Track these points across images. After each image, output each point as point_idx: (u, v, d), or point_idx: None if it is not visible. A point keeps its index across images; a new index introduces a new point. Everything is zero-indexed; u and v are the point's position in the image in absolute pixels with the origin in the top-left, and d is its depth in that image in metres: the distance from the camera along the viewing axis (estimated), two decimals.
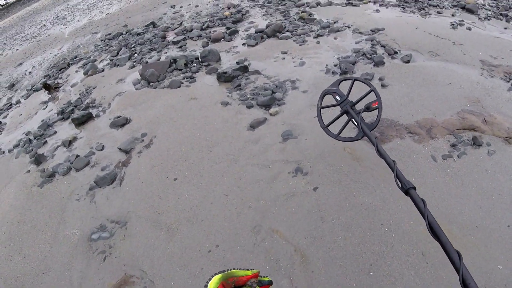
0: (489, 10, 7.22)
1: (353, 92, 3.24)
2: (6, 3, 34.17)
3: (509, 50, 5.22)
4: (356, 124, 2.85)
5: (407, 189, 1.83)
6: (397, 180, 1.91)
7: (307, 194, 3.20)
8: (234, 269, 1.10)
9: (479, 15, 6.91)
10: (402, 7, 7.49)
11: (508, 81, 4.49)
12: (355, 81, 3.27)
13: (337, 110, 3.15)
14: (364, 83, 3.19)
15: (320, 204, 3.09)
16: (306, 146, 3.71)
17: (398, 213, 2.88)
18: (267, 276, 1.18)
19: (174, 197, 3.48)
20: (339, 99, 3.13)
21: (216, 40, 7.22)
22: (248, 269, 1.13)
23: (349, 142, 3.12)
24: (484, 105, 4.05)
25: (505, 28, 6.26)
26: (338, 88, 3.26)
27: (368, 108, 3.00)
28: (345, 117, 3.11)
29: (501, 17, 6.86)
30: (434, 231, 1.58)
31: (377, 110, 2.99)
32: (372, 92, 3.11)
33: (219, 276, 1.04)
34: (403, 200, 2.95)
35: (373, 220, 2.89)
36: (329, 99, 3.37)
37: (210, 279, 1.03)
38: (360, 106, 3.34)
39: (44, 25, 15.54)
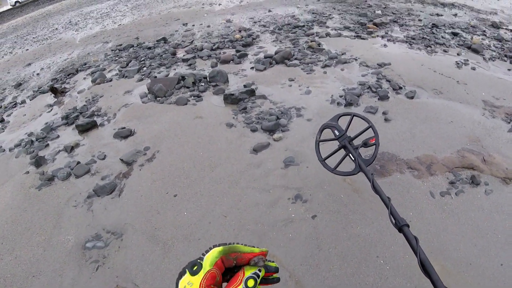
0: (494, 51, 7.37)
1: (353, 127, 3.30)
2: (21, 2, 34.79)
3: (511, 91, 5.32)
4: (353, 159, 2.90)
5: (401, 226, 1.87)
6: (391, 216, 1.94)
7: (305, 221, 3.23)
8: (237, 243, 0.94)
9: (484, 55, 7.04)
10: (409, 44, 7.62)
11: (509, 122, 4.57)
12: (354, 117, 3.33)
13: (336, 144, 3.20)
14: (363, 119, 3.25)
15: (317, 232, 3.12)
16: (307, 174, 3.75)
17: (394, 246, 2.91)
18: (273, 262, 1.00)
19: (173, 213, 3.50)
20: (337, 134, 3.18)
21: (225, 61, 7.31)
22: (254, 246, 0.95)
23: (345, 176, 3.16)
24: (484, 144, 4.12)
25: (509, 70, 6.38)
26: (337, 122, 3.32)
27: (365, 144, 3.04)
28: (342, 151, 3.17)
29: (505, 58, 7.00)
30: (425, 268, 1.61)
31: (375, 146, 3.04)
32: (370, 128, 3.16)
33: (219, 249, 0.90)
34: (399, 234, 2.95)
35: (369, 251, 2.92)
36: (328, 133, 3.42)
37: (207, 251, 0.90)
38: (358, 141, 3.39)
39: (56, 28, 15.69)
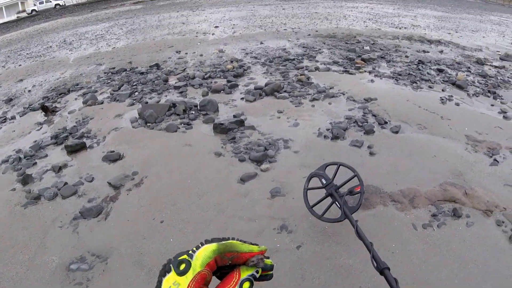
0: (478, 87, 7.64)
1: (340, 175, 3.47)
2: (37, 10, 36.05)
3: (493, 126, 5.53)
4: (339, 206, 3.05)
5: (382, 269, 1.99)
6: (373, 260, 2.06)
7: (290, 252, 3.31)
8: (235, 239, 0.81)
9: (468, 91, 7.30)
10: (395, 79, 7.88)
11: (491, 156, 4.75)
12: (341, 166, 3.50)
13: (323, 192, 3.36)
14: (349, 168, 3.45)
15: (302, 263, 3.19)
16: (293, 205, 3.83)
17: (376, 277, 2.96)
18: (269, 259, 0.87)
19: (159, 239, 3.54)
20: (324, 182, 3.35)
21: (216, 91, 7.45)
22: (252, 243, 0.82)
23: (332, 222, 3.29)
24: (466, 178, 4.28)
25: (492, 105, 6.62)
26: (324, 171, 3.50)
27: (351, 192, 3.24)
28: (329, 199, 3.32)
29: (489, 94, 7.26)
30: None
31: (360, 194, 3.22)
32: (356, 177, 3.35)
33: (213, 247, 0.75)
34: None
35: (352, 282, 3.00)
36: (316, 182, 3.57)
37: (199, 247, 0.76)
38: (344, 189, 3.56)
39: (50, 46, 15.76)
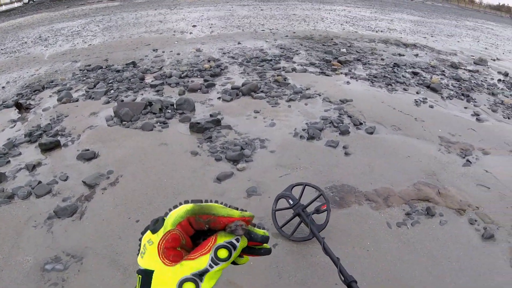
0: (452, 90, 7.88)
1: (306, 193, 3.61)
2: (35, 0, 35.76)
3: (467, 128, 5.71)
4: (307, 225, 3.18)
5: (349, 283, 2.06)
6: (341, 274, 2.14)
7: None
8: (216, 202, 0.71)
9: (442, 94, 7.52)
10: (371, 81, 8.07)
11: (464, 157, 4.92)
12: (306, 186, 3.66)
13: (291, 212, 3.47)
14: (314, 187, 3.63)
15: (278, 261, 3.27)
16: (269, 204, 3.89)
17: (352, 274, 3.07)
18: (263, 229, 0.76)
19: (135, 238, 3.53)
20: (291, 203, 3.48)
21: (193, 90, 7.46)
22: (238, 209, 0.71)
23: (301, 241, 3.40)
24: (439, 178, 4.42)
25: (465, 108, 6.83)
26: (291, 192, 3.64)
27: (318, 211, 3.37)
28: (297, 219, 3.43)
29: (462, 97, 7.49)
30: None
31: (326, 212, 3.36)
32: (321, 196, 3.51)
33: (187, 207, 0.67)
34: (357, 263, 3.16)
35: (327, 279, 3.09)
36: (283, 203, 3.66)
37: (176, 206, 0.69)
38: (311, 207, 3.67)
39: (26, 42, 15.45)
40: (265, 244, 0.77)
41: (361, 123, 5.83)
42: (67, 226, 3.82)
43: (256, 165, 4.73)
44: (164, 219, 0.67)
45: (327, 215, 3.32)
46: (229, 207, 0.70)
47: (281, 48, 11.21)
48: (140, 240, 0.69)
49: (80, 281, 3.16)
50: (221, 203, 0.71)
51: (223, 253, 0.65)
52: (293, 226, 3.49)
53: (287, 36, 13.21)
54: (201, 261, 0.63)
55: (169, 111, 6.40)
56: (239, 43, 11.97)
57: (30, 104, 7.49)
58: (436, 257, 3.31)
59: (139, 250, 0.69)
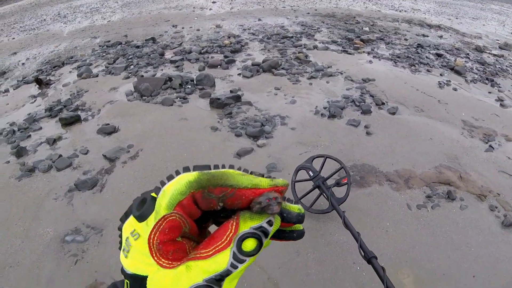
0: (476, 74, 7.61)
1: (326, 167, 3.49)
2: None
3: (490, 113, 5.53)
4: (326, 198, 3.07)
5: (369, 258, 1.99)
6: (361, 249, 2.07)
7: None
8: (232, 168, 0.47)
9: (466, 77, 7.27)
10: (394, 61, 7.83)
11: (486, 143, 4.76)
12: (327, 158, 3.53)
13: (311, 184, 3.38)
14: (336, 160, 3.49)
15: None
16: (289, 181, 3.81)
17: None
18: (297, 205, 0.52)
19: None
20: (311, 175, 3.37)
21: (213, 66, 7.37)
22: (261, 175, 0.48)
23: (320, 214, 3.31)
24: (461, 162, 4.29)
25: (489, 93, 6.60)
26: (311, 164, 3.51)
27: (338, 184, 3.29)
28: (317, 191, 3.34)
29: (486, 81, 7.24)
30: None
31: (347, 185, 3.26)
32: (343, 169, 3.40)
33: (190, 177, 0.43)
34: (376, 243, 3.08)
35: (346, 258, 3.02)
36: (303, 174, 3.57)
37: (172, 177, 0.45)
38: (332, 181, 3.59)
39: (44, 19, 15.48)
40: (297, 225, 0.53)
41: (383, 103, 5.68)
42: (87, 198, 3.81)
43: (276, 142, 4.65)
44: (154, 198, 0.44)
45: (348, 188, 3.23)
46: (251, 173, 0.48)
47: (302, 25, 10.98)
48: (119, 230, 0.48)
49: (100, 252, 3.15)
50: (239, 169, 0.48)
51: (250, 244, 0.44)
52: (312, 198, 3.41)
53: (308, 13, 12.94)
54: (218, 261, 0.43)
55: (189, 86, 6.33)
56: (259, 19, 11.76)
57: (50, 79, 7.50)
58: (455, 241, 3.21)
59: (120, 243, 0.48)
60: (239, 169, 0.48)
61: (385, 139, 4.70)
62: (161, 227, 0.42)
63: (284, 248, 3.12)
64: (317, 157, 3.59)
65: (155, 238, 0.43)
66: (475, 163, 4.33)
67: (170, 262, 0.43)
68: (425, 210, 3.55)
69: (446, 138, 4.78)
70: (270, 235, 0.46)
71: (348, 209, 3.44)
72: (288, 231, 0.53)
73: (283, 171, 4.07)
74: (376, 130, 4.88)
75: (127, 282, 0.45)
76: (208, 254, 0.43)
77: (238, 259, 0.43)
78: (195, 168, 0.45)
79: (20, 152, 4.71)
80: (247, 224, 0.43)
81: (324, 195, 3.19)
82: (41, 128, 5.42)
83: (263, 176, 0.47)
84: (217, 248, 0.43)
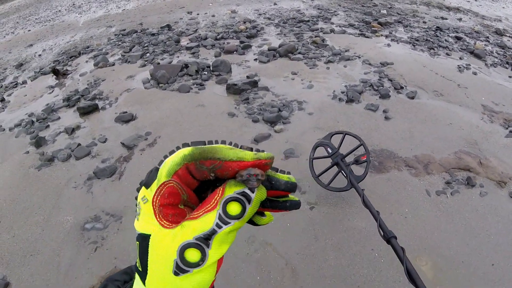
0: (496, 57, 7.39)
1: (346, 143, 3.41)
2: None
3: (510, 98, 5.35)
4: (345, 176, 3.00)
5: (389, 238, 1.94)
6: (380, 229, 2.01)
7: (303, 212, 3.27)
8: (224, 143, 0.54)
9: (486, 61, 7.06)
10: (412, 45, 7.64)
11: (507, 128, 4.60)
12: (346, 135, 3.44)
13: (329, 161, 3.30)
14: (355, 137, 3.40)
15: (314, 223, 3.16)
16: (307, 166, 3.75)
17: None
18: (288, 173, 0.56)
19: None
20: (330, 152, 3.29)
21: (229, 51, 7.31)
22: (249, 148, 0.52)
23: (338, 191, 3.24)
24: (481, 148, 4.17)
25: (510, 77, 6.42)
26: (330, 141, 3.44)
27: (357, 161, 3.24)
28: (335, 168, 3.26)
29: (507, 65, 7.02)
30: (411, 277, 1.68)
31: (366, 163, 3.20)
32: (362, 146, 3.31)
33: (185, 151, 0.51)
34: (394, 229, 3.01)
35: (364, 244, 2.97)
36: (322, 151, 3.50)
37: (172, 152, 0.53)
38: (350, 158, 3.51)
39: (59, 10, 15.60)
40: (291, 196, 0.58)
41: (402, 87, 5.54)
42: (106, 186, 3.82)
43: (294, 127, 4.58)
44: (157, 169, 0.52)
45: (367, 166, 3.17)
46: (240, 147, 0.53)
47: (318, 8, 10.80)
48: (136, 198, 0.54)
49: (119, 239, 3.16)
50: (230, 144, 0.54)
51: (234, 208, 0.49)
52: (331, 176, 3.32)
53: None
54: (205, 220, 0.48)
55: (205, 73, 6.28)
56: (275, 3, 11.59)
57: (67, 70, 7.54)
58: (474, 228, 3.12)
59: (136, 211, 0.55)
60: (230, 143, 0.54)
61: (403, 123, 4.60)
62: (162, 192, 0.50)
63: (302, 234, 3.08)
64: (335, 133, 3.51)
65: (157, 201, 0.50)
66: (495, 148, 4.20)
67: (169, 223, 0.50)
68: (444, 197, 3.46)
69: (465, 123, 4.65)
70: (254, 202, 0.50)
71: (366, 193, 3.37)
72: (281, 201, 0.57)
73: (301, 156, 4.02)
74: (395, 115, 4.78)
75: (137, 244, 0.53)
76: (199, 215, 0.49)
77: (223, 220, 0.48)
78: (192, 143, 0.54)
79: (39, 142, 4.74)
80: (231, 190, 0.49)
81: (342, 173, 3.12)
82: (59, 118, 5.46)
83: (251, 150, 0.52)
84: (205, 210, 0.49)
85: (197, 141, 0.54)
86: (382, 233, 2.01)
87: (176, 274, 0.49)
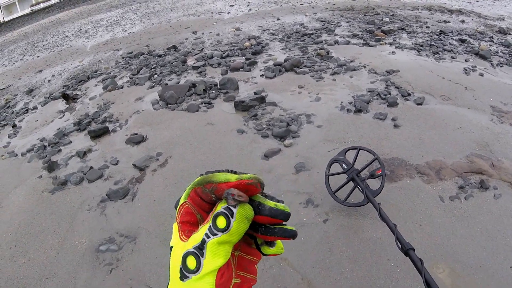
0: (502, 57, 7.38)
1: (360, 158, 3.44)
2: (31, 10, 35.80)
3: None
4: (361, 190, 3.02)
5: (407, 250, 1.94)
6: (398, 241, 2.01)
7: (316, 226, 3.26)
8: (223, 171, 0.64)
9: (491, 61, 7.05)
10: (417, 51, 7.65)
11: None
12: (360, 150, 3.46)
13: (344, 177, 3.32)
14: (369, 152, 3.42)
15: (329, 236, 3.15)
16: (318, 179, 3.77)
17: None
18: (279, 202, 0.63)
19: None
20: (345, 167, 3.32)
21: (235, 69, 7.38)
22: (242, 173, 0.61)
23: (355, 207, 3.26)
24: (492, 150, 4.14)
25: None
26: (344, 156, 3.47)
27: (372, 176, 3.22)
28: (351, 184, 3.28)
29: None
30: (430, 287, 1.69)
31: (381, 177, 3.19)
32: (376, 160, 3.32)
33: (196, 179, 0.62)
34: (409, 238, 3.00)
35: (380, 255, 2.94)
36: (337, 167, 3.52)
37: None
38: (366, 172, 3.52)
39: (67, 36, 15.85)
40: (288, 226, 0.63)
41: (409, 94, 5.53)
42: (119, 208, 3.85)
43: (303, 141, 4.59)
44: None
45: (382, 180, 3.15)
46: (234, 173, 0.63)
47: (321, 21, 10.87)
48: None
49: (134, 260, 3.17)
50: (230, 171, 0.65)
51: (221, 222, 0.57)
52: (347, 191, 3.33)
53: (326, 8, 12.81)
54: (201, 231, 0.59)
55: (213, 91, 6.33)
56: (278, 19, 11.70)
57: (76, 94, 7.65)
58: (490, 232, 3.09)
59: None
60: (230, 170, 0.65)
61: (413, 130, 4.59)
62: (181, 211, 0.64)
63: (317, 247, 3.07)
64: (350, 149, 3.53)
65: (179, 218, 0.64)
66: (506, 149, 4.17)
67: (186, 238, 0.61)
68: (458, 202, 3.44)
69: (475, 125, 4.63)
70: (237, 217, 0.57)
71: (381, 202, 3.37)
72: (271, 228, 0.62)
73: (312, 169, 4.01)
74: (404, 122, 4.77)
75: (170, 255, 0.63)
76: (199, 229, 0.59)
77: (212, 231, 0.57)
78: (206, 172, 0.65)
79: (51, 167, 4.79)
80: (220, 206, 0.58)
81: (358, 188, 3.13)
82: (70, 142, 5.52)
83: (244, 174, 0.61)
84: (203, 224, 0.59)
85: (209, 170, 0.65)
86: (399, 246, 2.01)
87: (181, 279, 0.58)
